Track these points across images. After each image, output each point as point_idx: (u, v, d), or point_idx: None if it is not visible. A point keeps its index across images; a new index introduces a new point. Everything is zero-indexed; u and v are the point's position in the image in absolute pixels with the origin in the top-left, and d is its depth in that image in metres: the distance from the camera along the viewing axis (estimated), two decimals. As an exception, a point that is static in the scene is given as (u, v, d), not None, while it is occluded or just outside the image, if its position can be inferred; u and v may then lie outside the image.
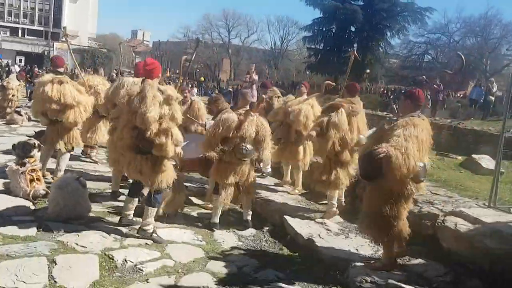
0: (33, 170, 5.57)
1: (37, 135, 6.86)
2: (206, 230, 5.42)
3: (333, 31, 48.18)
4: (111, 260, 4.09)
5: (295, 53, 62.79)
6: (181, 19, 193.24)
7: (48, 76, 6.18)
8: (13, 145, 6.72)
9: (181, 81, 6.52)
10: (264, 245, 5.29)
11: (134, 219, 4.99)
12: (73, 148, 6.52)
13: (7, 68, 24.55)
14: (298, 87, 7.51)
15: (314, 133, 5.56)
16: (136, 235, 4.77)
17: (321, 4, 46.93)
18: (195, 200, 6.53)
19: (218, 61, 61.43)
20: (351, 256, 4.77)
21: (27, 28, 66.89)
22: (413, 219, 5.18)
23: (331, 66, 45.76)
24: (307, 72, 52.29)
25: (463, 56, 5.90)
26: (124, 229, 4.88)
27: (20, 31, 64.83)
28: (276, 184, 7.45)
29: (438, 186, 6.75)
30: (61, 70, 6.35)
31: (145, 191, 4.93)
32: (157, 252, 4.45)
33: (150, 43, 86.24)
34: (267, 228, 5.78)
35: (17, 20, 66.73)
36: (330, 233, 5.40)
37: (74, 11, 69.33)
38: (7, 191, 5.61)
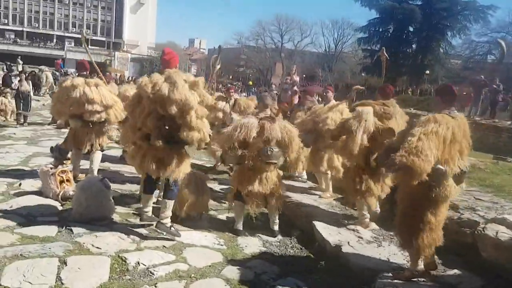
0: (63, 172, 5.67)
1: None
2: (230, 234, 5.25)
3: (390, 31, 47.12)
4: (124, 262, 4.02)
5: (350, 55, 61.81)
6: (235, 26, 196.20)
7: (80, 79, 6.26)
8: (51, 148, 6.96)
9: (212, 76, 6.48)
10: (290, 251, 5.04)
11: (153, 216, 4.92)
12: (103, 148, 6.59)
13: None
14: (324, 93, 7.21)
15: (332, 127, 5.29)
16: (155, 236, 4.71)
17: (377, 5, 46.00)
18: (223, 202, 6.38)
19: (271, 65, 61.60)
20: (380, 265, 4.42)
21: (90, 39, 70.30)
22: (452, 226, 4.78)
23: (388, 67, 44.42)
24: (363, 74, 51.37)
25: (503, 43, 5.05)
26: (144, 231, 4.83)
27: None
28: (310, 188, 7.17)
29: (486, 191, 6.19)
30: (85, 73, 6.44)
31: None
32: (172, 255, 4.33)
33: (206, 51, 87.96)
34: (295, 233, 5.52)
35: (80, 31, 70.25)
36: (362, 240, 5.05)
37: (134, 21, 72.25)
38: (39, 192, 5.74)
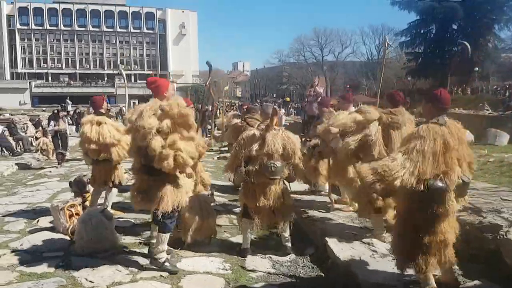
0: (72, 206, 5.70)
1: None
2: (239, 257, 5.03)
3: (433, 32, 45.79)
4: (114, 295, 3.90)
5: (394, 60, 60.51)
6: (276, 45, 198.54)
7: (88, 118, 6.34)
8: (70, 182, 7.06)
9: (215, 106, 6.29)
10: (300, 271, 4.74)
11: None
12: (119, 184, 6.53)
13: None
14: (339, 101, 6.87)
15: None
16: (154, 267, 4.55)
17: (416, 6, 44.84)
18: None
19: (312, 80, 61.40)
20: (391, 280, 4.02)
21: (138, 74, 73.31)
22: (473, 232, 4.32)
23: (434, 69, 43.19)
24: (409, 78, 50.08)
25: (467, 44, 4.63)
26: (146, 261, 4.69)
27: (132, 77, 71.22)
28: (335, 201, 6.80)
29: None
30: (102, 110, 6.46)
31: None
32: (168, 285, 4.16)
33: (249, 73, 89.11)
34: (309, 251, 5.22)
35: (129, 67, 73.57)
36: (375, 255, 4.67)
37: (177, 52, 74.81)
38: (53, 228, 5.78)
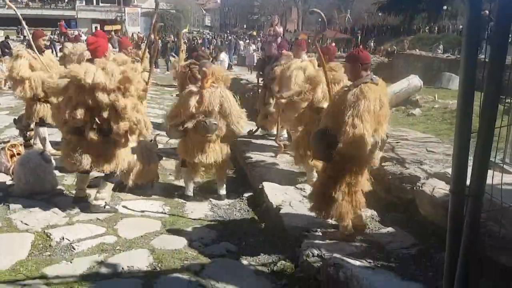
0: (13, 146, 5.67)
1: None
2: (180, 200, 5.23)
3: (406, -34, 44.94)
4: (48, 238, 4.01)
5: (367, -6, 59.37)
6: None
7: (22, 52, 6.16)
8: (14, 120, 6.96)
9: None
10: (236, 214, 5.00)
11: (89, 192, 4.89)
12: (43, 122, 6.32)
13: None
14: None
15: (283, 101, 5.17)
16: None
17: None
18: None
19: (285, 10, 59.67)
20: (313, 224, 4.28)
21: (100, -5, 69.23)
22: (394, 182, 4.62)
23: (404, 4, 42.86)
24: (379, 14, 49.57)
25: (321, 12, 4.52)
26: (84, 204, 4.80)
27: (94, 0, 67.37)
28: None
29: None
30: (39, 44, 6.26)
31: None
32: (103, 228, 4.30)
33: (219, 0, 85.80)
34: (247, 195, 5.46)
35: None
36: (305, 200, 4.93)
37: (143, -27, 70.43)
38: (-5, 167, 5.77)
